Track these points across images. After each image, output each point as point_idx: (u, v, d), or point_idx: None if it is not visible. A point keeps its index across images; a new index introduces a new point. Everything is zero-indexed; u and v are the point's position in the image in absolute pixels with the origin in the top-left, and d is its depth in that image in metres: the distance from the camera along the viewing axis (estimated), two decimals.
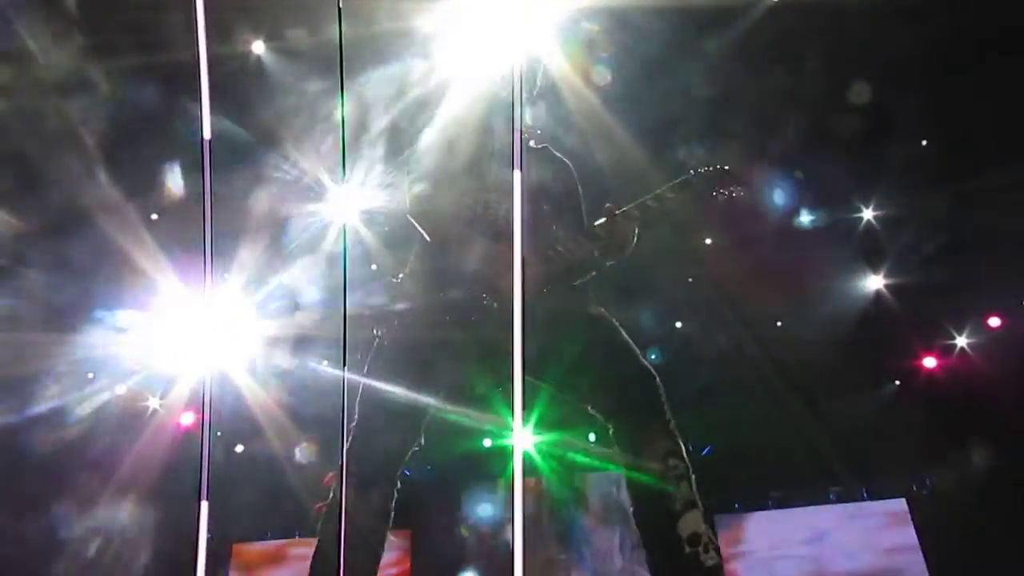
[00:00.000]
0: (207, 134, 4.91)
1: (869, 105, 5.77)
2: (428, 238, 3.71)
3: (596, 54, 5.57)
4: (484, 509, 7.30)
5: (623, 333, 3.60)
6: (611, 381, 3.48)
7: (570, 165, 3.88)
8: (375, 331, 3.89)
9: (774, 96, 5.87)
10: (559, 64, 5.31)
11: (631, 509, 3.32)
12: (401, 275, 3.97)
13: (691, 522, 3.12)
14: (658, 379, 3.42)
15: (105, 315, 6.13)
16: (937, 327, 6.37)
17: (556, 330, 3.45)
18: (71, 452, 5.98)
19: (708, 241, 6.36)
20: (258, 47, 5.88)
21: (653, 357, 5.73)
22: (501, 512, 7.30)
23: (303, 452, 6.57)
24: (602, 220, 3.78)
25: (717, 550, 3.13)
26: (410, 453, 3.53)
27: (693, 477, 3.14)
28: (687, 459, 3.21)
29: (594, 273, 3.73)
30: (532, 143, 3.94)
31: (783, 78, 5.86)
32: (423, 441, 3.58)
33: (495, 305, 3.51)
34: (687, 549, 3.08)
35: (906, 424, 6.05)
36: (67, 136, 5.87)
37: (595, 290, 3.81)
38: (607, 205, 3.78)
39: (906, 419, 6.09)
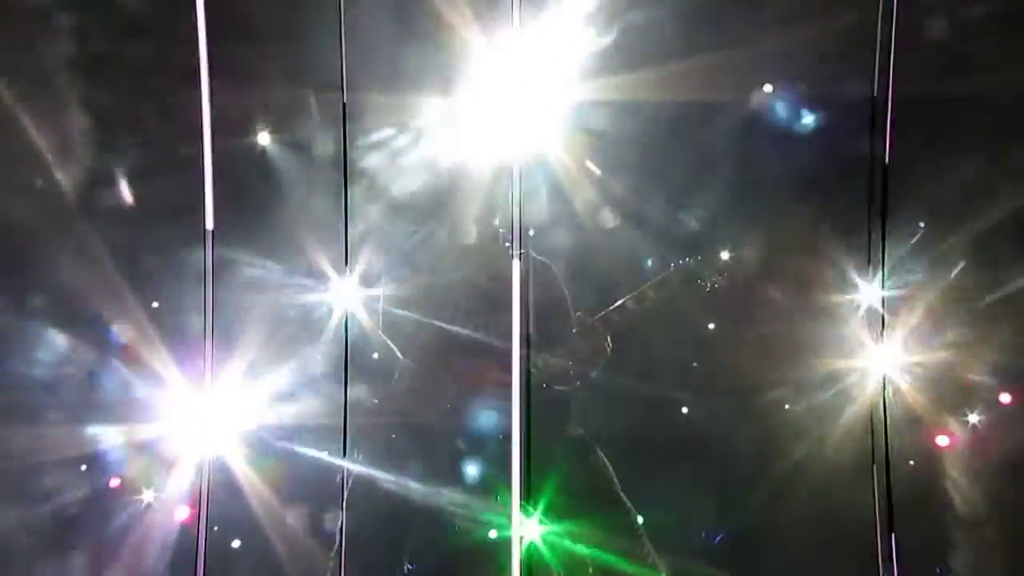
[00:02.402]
0: (209, 224, 4.88)
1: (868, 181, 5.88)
2: (401, 356, 3.71)
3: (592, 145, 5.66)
4: None
5: (600, 456, 3.56)
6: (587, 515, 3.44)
7: (551, 266, 3.86)
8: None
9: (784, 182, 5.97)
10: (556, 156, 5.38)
11: None
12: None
13: None
14: (634, 512, 3.39)
15: (101, 403, 6.04)
16: (950, 404, 6.28)
17: (536, 453, 3.42)
18: (61, 546, 5.80)
19: (711, 327, 6.32)
20: (264, 138, 5.97)
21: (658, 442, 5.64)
22: None
23: (302, 546, 6.36)
24: (577, 329, 3.76)
25: None
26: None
27: None
28: None
29: (578, 384, 3.69)
30: (507, 245, 3.95)
31: (781, 162, 5.95)
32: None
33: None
34: None
35: (921, 505, 5.89)
36: (67, 220, 5.93)
37: (581, 402, 3.76)
38: (577, 313, 3.76)
39: (922, 499, 5.94)
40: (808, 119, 5.99)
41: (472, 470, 5.19)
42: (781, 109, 6.04)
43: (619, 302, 3.86)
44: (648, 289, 3.87)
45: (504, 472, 4.61)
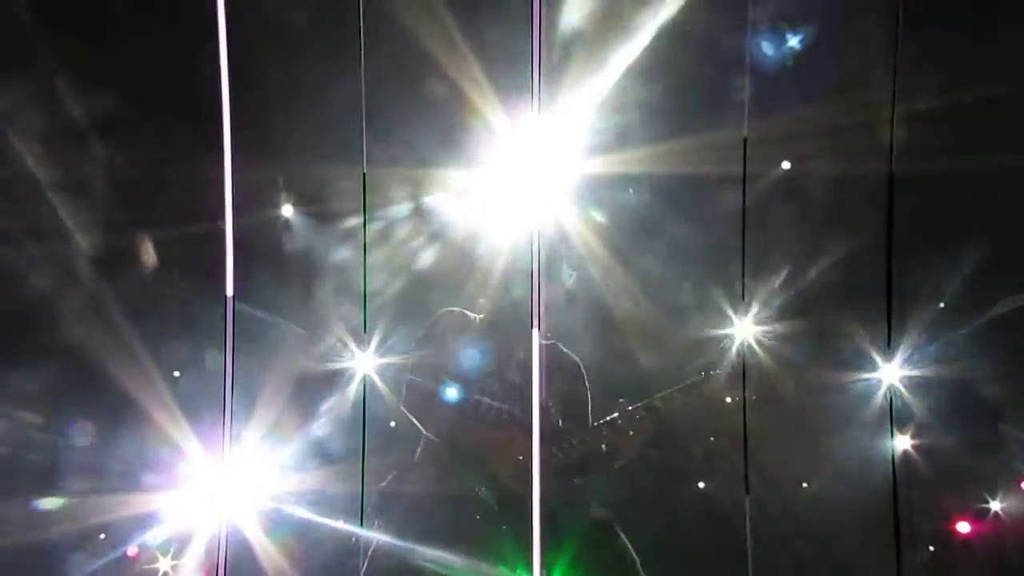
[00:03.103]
0: (229, 291, 4.89)
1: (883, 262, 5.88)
2: (424, 431, 3.72)
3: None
4: None
5: (622, 537, 3.54)
6: None
7: (578, 361, 3.87)
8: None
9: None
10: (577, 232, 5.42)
11: None
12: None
13: None
14: None
15: (120, 474, 6.08)
16: (970, 490, 6.21)
17: (555, 531, 3.40)
18: None
19: (728, 400, 6.32)
20: (287, 210, 6.07)
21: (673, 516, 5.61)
22: None
23: None
24: (613, 416, 3.74)
25: None
26: None
27: None
28: None
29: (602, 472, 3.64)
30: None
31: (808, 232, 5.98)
32: None
33: (488, 495, 3.47)
34: None
35: None
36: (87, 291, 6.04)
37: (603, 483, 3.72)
38: (620, 400, 3.77)
39: None
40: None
41: (491, 544, 5.18)
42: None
43: (624, 406, 3.88)
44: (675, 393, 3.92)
45: (525, 549, 4.61)
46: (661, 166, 5.82)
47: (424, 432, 4.04)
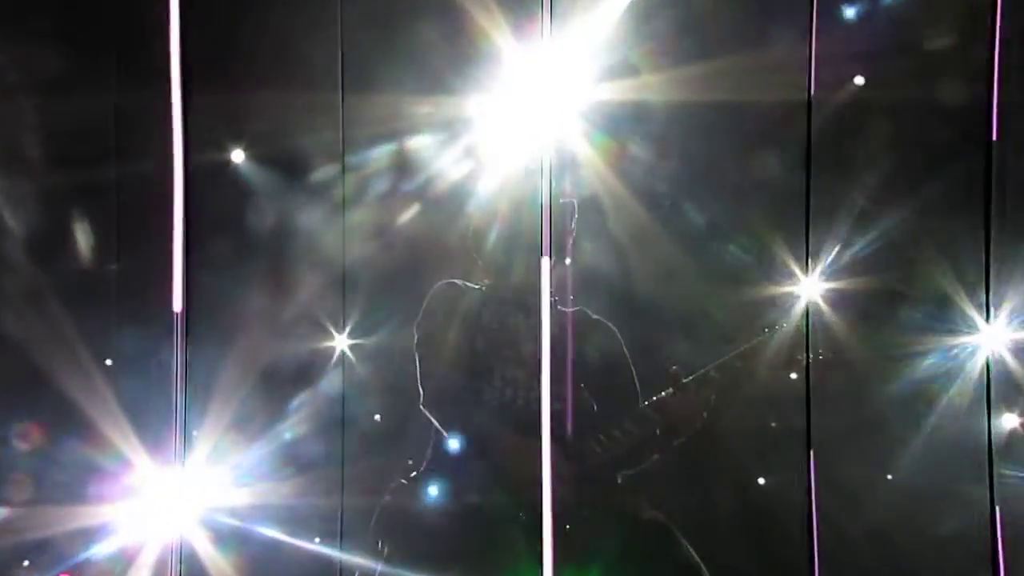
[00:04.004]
0: (177, 306, 3.99)
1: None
2: (442, 430, 3.33)
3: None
4: None
5: (685, 546, 3.24)
6: None
7: (613, 328, 3.45)
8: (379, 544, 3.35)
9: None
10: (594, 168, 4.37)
11: None
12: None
13: None
14: None
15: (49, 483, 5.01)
16: None
17: (599, 543, 2.86)
18: None
19: (793, 376, 5.17)
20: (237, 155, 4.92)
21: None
22: None
23: None
24: (668, 391, 3.31)
25: None
26: None
27: None
28: None
29: (656, 457, 3.25)
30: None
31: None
32: None
33: (521, 515, 3.08)
34: None
35: None
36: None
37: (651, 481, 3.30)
38: (673, 368, 3.34)
39: None
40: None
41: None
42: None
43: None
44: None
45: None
46: (703, 91, 4.70)
47: (442, 431, 3.62)
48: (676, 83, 4.61)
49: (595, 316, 3.60)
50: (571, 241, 3.98)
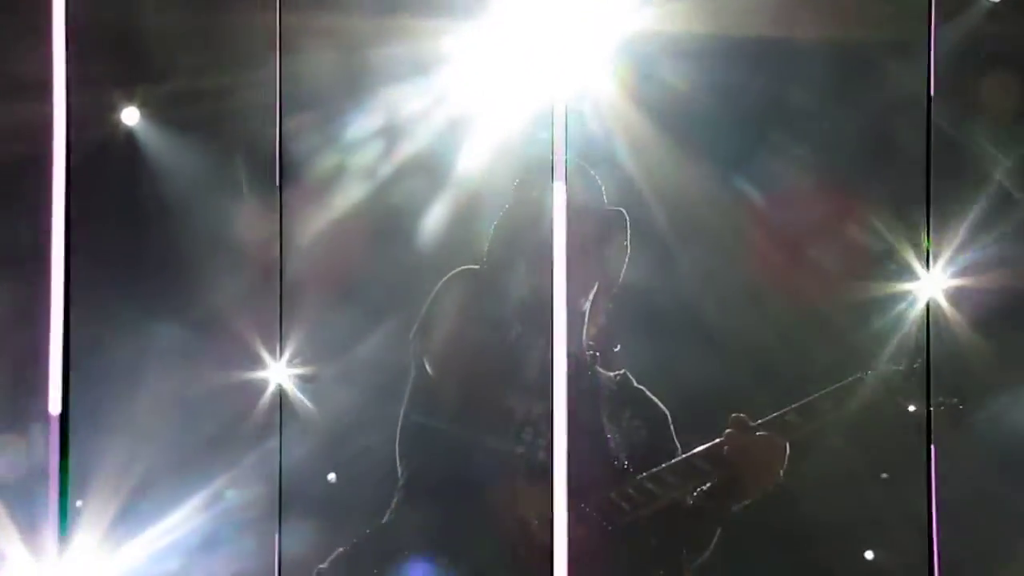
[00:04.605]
0: (54, 410, 3.24)
1: None
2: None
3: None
4: None
5: None
6: None
7: (665, 412, 2.81)
8: None
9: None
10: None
11: None
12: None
13: None
14: None
15: None
16: None
17: None
18: None
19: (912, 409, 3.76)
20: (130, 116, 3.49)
21: None
22: None
23: None
24: (728, 433, 2.74)
25: None
26: None
27: None
28: None
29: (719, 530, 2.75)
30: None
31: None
32: None
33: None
34: None
35: None
36: None
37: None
38: (738, 415, 2.75)
39: None
40: None
41: None
42: None
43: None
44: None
45: None
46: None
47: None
48: None
49: (638, 385, 2.61)
50: (623, 268, 2.86)
